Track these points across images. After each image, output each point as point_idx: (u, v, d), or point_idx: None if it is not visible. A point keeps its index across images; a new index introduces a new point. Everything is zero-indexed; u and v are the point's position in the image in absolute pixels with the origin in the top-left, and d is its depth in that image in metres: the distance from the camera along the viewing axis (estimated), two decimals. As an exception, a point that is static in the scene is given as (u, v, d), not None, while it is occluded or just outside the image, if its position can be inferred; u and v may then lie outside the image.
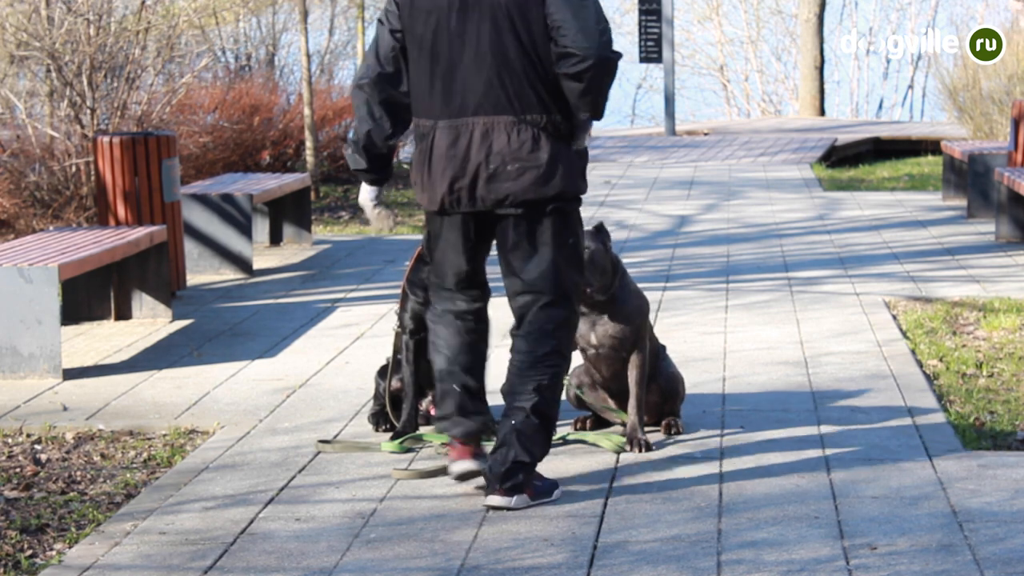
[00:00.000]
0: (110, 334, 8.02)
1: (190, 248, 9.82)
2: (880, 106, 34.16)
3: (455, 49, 4.81)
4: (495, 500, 4.84)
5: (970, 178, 12.36)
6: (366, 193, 5.24)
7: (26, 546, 4.73)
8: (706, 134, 21.40)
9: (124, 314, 8.36)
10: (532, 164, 4.79)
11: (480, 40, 4.79)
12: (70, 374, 7.01)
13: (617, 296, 5.57)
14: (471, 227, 4.94)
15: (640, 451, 5.50)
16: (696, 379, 6.54)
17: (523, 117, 4.79)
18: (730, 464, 5.37)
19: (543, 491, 4.92)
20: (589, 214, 12.64)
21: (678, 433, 5.75)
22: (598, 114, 4.86)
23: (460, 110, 4.82)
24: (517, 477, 4.82)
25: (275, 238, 11.38)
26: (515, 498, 4.83)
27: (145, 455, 5.75)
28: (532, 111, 4.80)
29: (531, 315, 4.91)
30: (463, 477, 5.01)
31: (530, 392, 4.85)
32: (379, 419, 5.90)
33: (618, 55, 4.81)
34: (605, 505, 4.92)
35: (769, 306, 8.53)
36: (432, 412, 5.93)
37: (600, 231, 5.60)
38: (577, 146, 4.91)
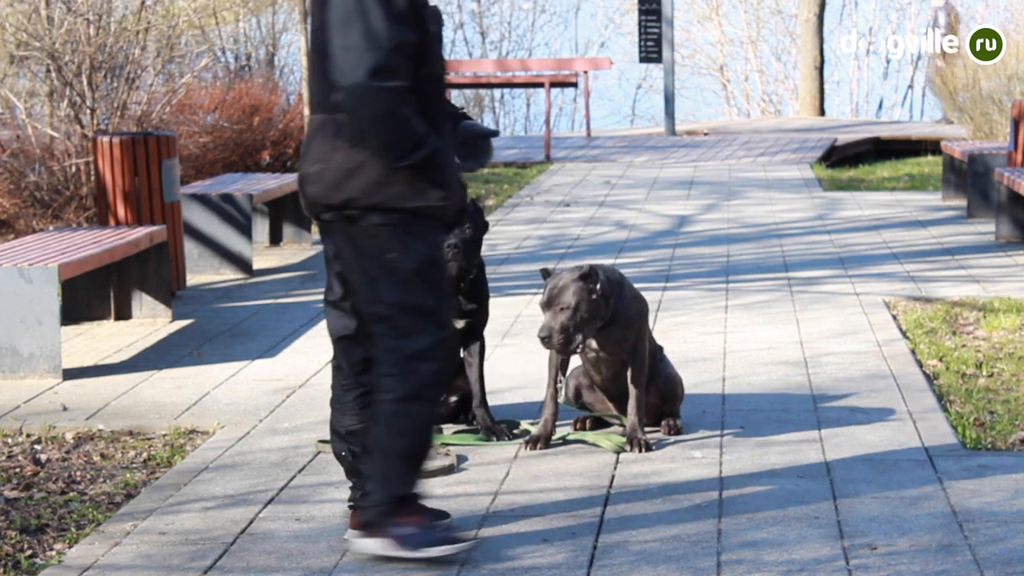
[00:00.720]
0: (110, 334, 8.02)
1: (190, 248, 9.83)
2: (880, 106, 34.18)
3: (312, 47, 4.52)
4: (349, 534, 4.53)
5: (970, 178, 12.36)
6: None
7: (26, 546, 4.73)
8: (706, 134, 21.40)
9: (124, 314, 8.37)
10: (329, 166, 4.35)
11: (314, 39, 4.46)
12: (70, 374, 7.01)
13: (616, 309, 5.53)
14: (325, 236, 4.53)
15: (640, 451, 5.50)
16: (696, 379, 6.55)
17: (332, 116, 4.34)
18: (730, 464, 5.37)
19: (412, 542, 4.36)
20: (590, 214, 12.66)
21: (678, 433, 5.75)
22: (386, 158, 4.28)
23: (312, 107, 4.56)
24: (367, 513, 4.42)
25: (275, 238, 11.38)
26: (366, 541, 4.41)
27: (145, 455, 5.75)
28: (339, 110, 4.33)
29: (376, 350, 4.43)
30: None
31: (375, 431, 4.43)
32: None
33: (386, 87, 4.19)
34: (605, 505, 4.92)
35: (769, 306, 8.53)
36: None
37: (587, 278, 5.36)
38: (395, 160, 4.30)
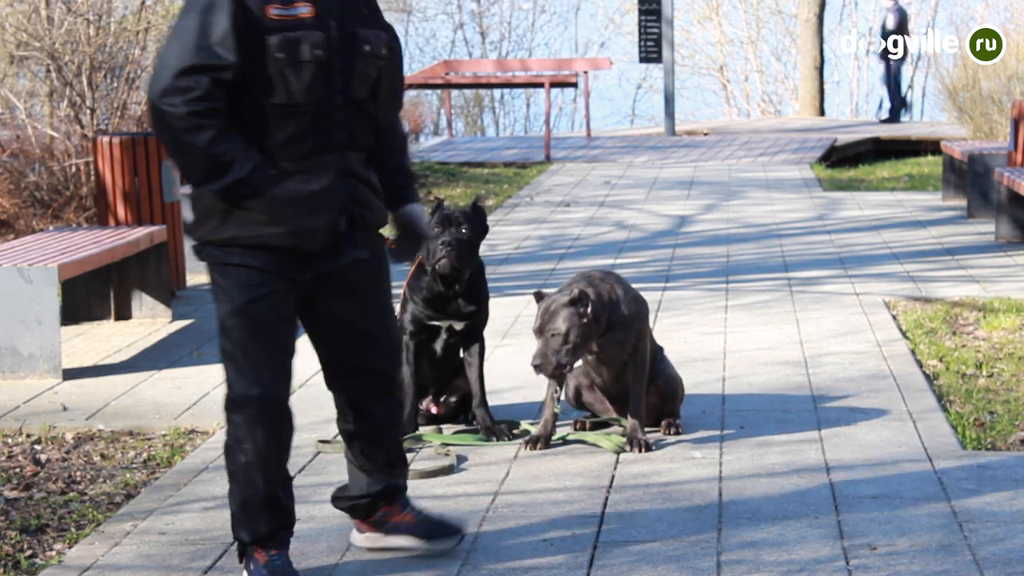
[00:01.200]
0: (110, 334, 8.02)
1: (190, 248, 9.80)
2: (880, 106, 34.13)
3: None
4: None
5: (970, 178, 12.36)
6: None
7: (26, 546, 4.73)
8: (706, 134, 21.40)
9: (124, 314, 8.37)
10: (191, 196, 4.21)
11: None
12: (70, 374, 7.01)
13: (614, 316, 5.51)
14: None
15: (640, 451, 5.50)
16: (696, 379, 6.54)
17: None
18: (730, 464, 5.37)
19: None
20: (590, 214, 12.65)
21: (677, 433, 5.75)
22: (190, 183, 4.10)
23: None
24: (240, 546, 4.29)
25: (275, 238, 11.36)
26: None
27: (145, 455, 5.75)
28: None
29: None
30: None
31: None
32: (379, 419, 5.87)
33: (170, 111, 3.92)
34: (605, 505, 4.91)
35: (769, 306, 8.53)
36: (433, 411, 5.93)
37: (577, 302, 5.37)
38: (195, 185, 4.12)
